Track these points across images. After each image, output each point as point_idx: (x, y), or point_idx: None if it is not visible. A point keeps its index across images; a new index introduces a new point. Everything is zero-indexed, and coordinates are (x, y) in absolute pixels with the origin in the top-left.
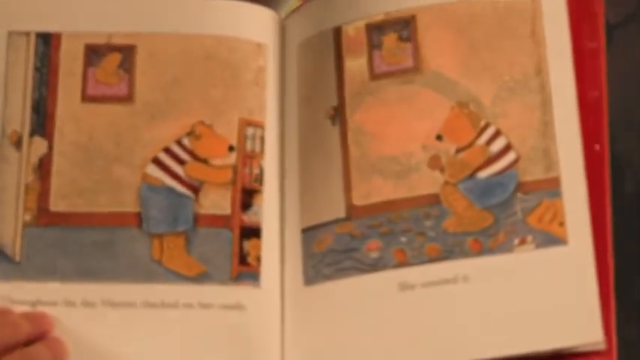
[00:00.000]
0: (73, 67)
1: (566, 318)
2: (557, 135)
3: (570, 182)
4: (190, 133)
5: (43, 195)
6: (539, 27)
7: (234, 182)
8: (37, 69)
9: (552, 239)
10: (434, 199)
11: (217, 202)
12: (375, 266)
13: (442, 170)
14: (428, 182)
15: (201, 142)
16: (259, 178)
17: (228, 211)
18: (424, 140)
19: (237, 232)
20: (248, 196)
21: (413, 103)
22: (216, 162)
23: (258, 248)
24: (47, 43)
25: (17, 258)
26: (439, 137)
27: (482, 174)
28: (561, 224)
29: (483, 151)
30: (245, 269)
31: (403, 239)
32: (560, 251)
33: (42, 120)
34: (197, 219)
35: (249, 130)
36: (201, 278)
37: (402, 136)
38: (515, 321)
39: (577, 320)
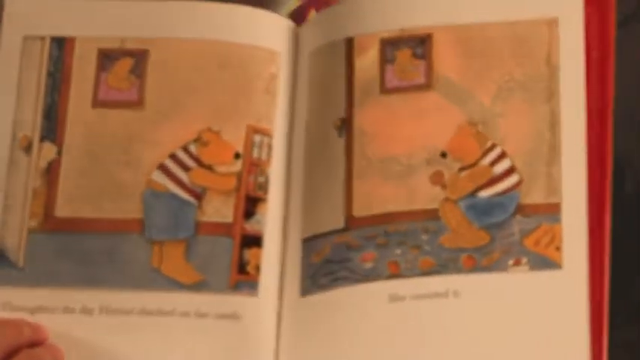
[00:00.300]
0: (85, 71)
1: (553, 340)
2: (563, 161)
3: (571, 208)
4: (197, 140)
5: (50, 200)
6: (555, 53)
7: (237, 189)
8: (50, 74)
9: (547, 262)
10: (433, 214)
11: (220, 209)
12: (367, 277)
13: (444, 187)
14: (428, 197)
15: (207, 148)
16: (264, 187)
17: (230, 218)
18: (428, 154)
19: (237, 240)
20: (251, 205)
21: (421, 118)
22: (221, 169)
23: (258, 257)
24: (61, 47)
25: (20, 264)
26: (444, 154)
27: (484, 193)
28: (558, 249)
29: (487, 172)
30: (243, 278)
31: (398, 251)
32: (553, 275)
33: (53, 125)
34: (198, 226)
35: (257, 138)
36: (198, 287)
37: (405, 143)
38: (502, 339)
39: (564, 344)
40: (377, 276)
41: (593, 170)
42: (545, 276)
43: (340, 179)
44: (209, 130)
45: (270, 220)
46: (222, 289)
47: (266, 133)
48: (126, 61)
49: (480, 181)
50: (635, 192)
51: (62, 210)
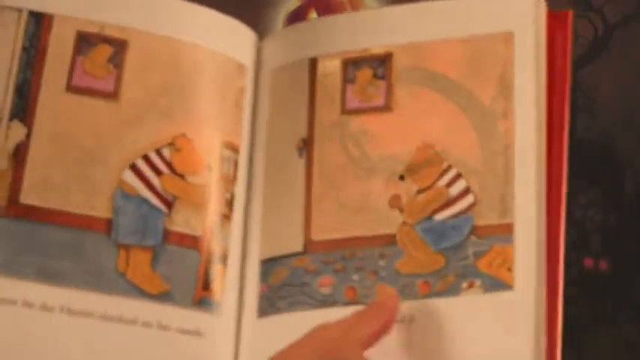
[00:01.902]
0: (61, 52)
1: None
2: (516, 181)
3: (523, 229)
4: (171, 144)
5: (15, 185)
6: (509, 72)
7: (208, 203)
8: (25, 49)
9: (499, 284)
10: (390, 240)
11: (189, 220)
12: (325, 302)
13: (401, 210)
14: (386, 222)
15: (180, 155)
16: (230, 204)
17: (199, 232)
18: (387, 177)
19: (205, 255)
20: (219, 221)
21: (381, 141)
22: (193, 179)
23: (222, 276)
24: (39, 23)
25: None
26: (402, 177)
27: (440, 216)
28: (509, 270)
29: (443, 193)
30: (208, 295)
31: (355, 277)
32: (505, 296)
33: (24, 104)
34: (167, 235)
35: (226, 153)
36: (163, 297)
37: (365, 166)
38: None
39: None
40: (334, 302)
41: (551, 189)
42: (497, 297)
43: (299, 201)
44: (183, 136)
45: (233, 238)
46: (186, 303)
47: (234, 149)
48: (104, 47)
49: (437, 204)
50: (635, 192)
51: (28, 197)
